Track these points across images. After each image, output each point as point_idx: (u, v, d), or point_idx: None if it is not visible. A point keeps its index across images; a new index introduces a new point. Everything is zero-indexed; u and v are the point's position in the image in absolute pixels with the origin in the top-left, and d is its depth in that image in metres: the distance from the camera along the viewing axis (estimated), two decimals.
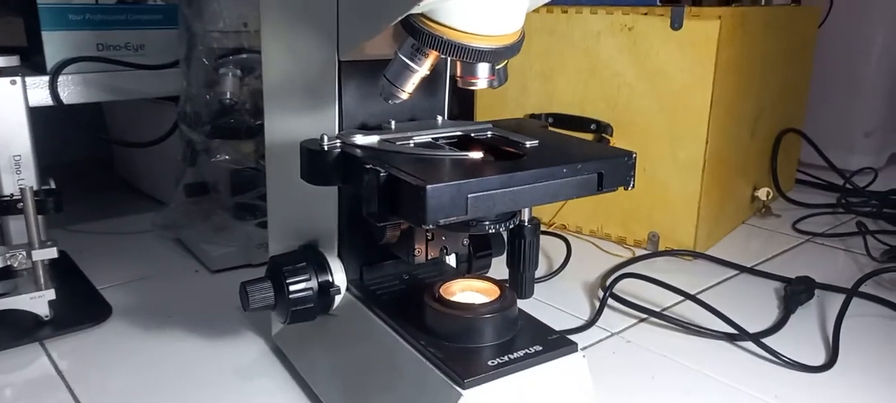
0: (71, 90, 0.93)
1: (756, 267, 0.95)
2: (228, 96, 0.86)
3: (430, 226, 0.43)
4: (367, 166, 0.47)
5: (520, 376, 0.52)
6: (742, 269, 0.94)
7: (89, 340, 0.74)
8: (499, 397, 0.51)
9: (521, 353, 0.53)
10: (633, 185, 0.52)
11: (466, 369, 0.50)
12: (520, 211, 0.56)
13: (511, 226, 0.53)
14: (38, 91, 0.90)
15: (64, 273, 0.88)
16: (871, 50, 1.42)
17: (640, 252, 1.00)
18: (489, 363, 0.51)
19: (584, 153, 0.51)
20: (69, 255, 0.94)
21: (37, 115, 0.85)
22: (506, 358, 0.52)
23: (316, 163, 0.51)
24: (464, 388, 0.49)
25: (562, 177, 0.48)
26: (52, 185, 0.82)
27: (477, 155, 0.50)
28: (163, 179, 1.13)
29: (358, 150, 0.51)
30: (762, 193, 1.15)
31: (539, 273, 0.91)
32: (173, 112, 0.96)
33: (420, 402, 0.52)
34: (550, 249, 1.00)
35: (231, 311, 0.80)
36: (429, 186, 0.43)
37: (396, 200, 0.46)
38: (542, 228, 1.08)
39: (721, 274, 0.93)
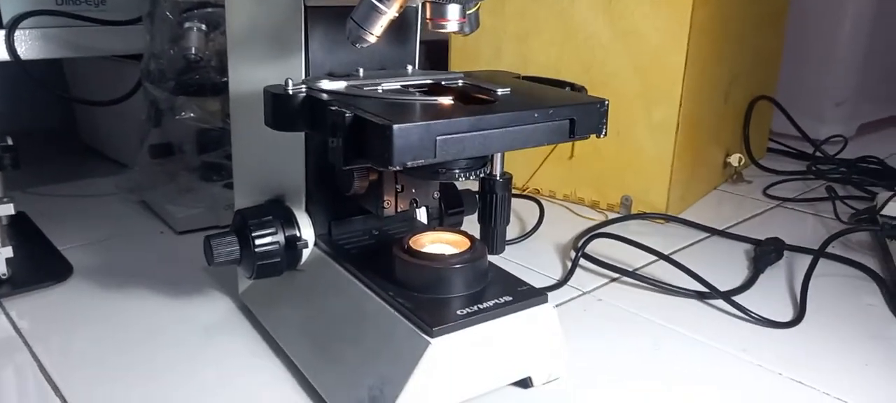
0: (29, 45, 0.89)
1: (727, 230, 0.95)
2: (194, 51, 0.84)
3: (397, 168, 0.42)
4: (332, 108, 0.46)
5: (489, 325, 0.51)
6: (713, 232, 0.95)
7: (49, 299, 0.72)
8: (468, 346, 0.50)
9: (490, 303, 0.52)
10: (606, 133, 0.51)
11: (435, 318, 0.49)
12: (490, 160, 0.56)
13: (481, 175, 0.52)
14: None
15: (23, 233, 0.85)
16: (843, 20, 1.43)
17: (613, 215, 1.00)
18: (458, 312, 0.50)
19: (557, 99, 0.50)
20: (29, 217, 0.91)
21: None
22: (475, 308, 0.51)
23: (280, 107, 0.50)
24: (432, 337, 0.48)
25: (533, 121, 0.47)
26: (9, 142, 0.79)
27: (447, 100, 0.49)
28: (127, 142, 1.09)
29: (324, 95, 0.49)
30: (734, 159, 1.15)
31: (512, 234, 0.91)
32: (137, 71, 0.93)
33: (389, 353, 0.51)
34: (523, 212, 1.00)
35: (197, 271, 0.78)
36: (395, 126, 0.41)
37: (362, 142, 0.44)
38: (516, 192, 1.07)
39: (693, 237, 0.94)
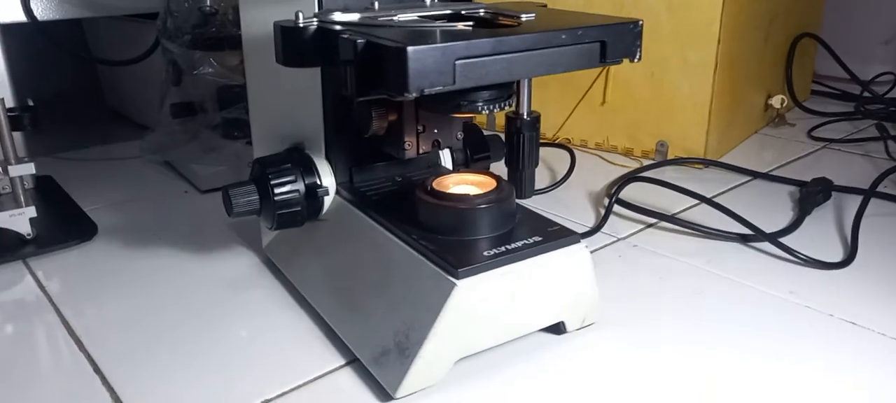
0: (45, 7, 0.88)
1: (770, 173, 0.91)
2: (209, 4, 0.81)
3: (413, 95, 0.39)
4: (344, 36, 0.43)
5: (517, 266, 0.48)
6: (755, 175, 0.90)
7: (75, 259, 0.71)
8: (496, 288, 0.48)
9: (519, 244, 0.49)
10: (640, 57, 0.47)
11: (460, 259, 0.47)
12: (516, 97, 0.52)
13: (505, 108, 0.49)
14: (11, 7, 0.85)
15: (49, 195, 0.85)
16: None
17: (648, 162, 0.96)
18: (485, 253, 0.48)
19: (586, 21, 0.47)
20: (55, 180, 0.91)
21: (23, 46, 0.81)
22: (502, 249, 0.48)
23: (291, 41, 0.47)
24: (458, 278, 0.46)
25: (560, 43, 0.44)
26: (30, 103, 0.78)
27: (466, 26, 0.46)
28: (150, 104, 1.08)
29: (336, 26, 0.47)
30: (776, 101, 1.09)
31: (542, 183, 0.88)
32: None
33: (413, 298, 0.48)
34: (553, 161, 0.96)
35: (221, 228, 0.77)
36: (410, 48, 0.38)
37: (377, 70, 0.41)
38: (546, 141, 1.04)
39: (733, 181, 0.89)
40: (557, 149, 1.00)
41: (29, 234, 0.71)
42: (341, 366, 0.52)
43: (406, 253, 0.50)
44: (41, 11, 0.87)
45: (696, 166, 0.94)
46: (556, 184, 0.88)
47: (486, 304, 0.48)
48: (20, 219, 0.71)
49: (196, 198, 0.87)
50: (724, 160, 0.95)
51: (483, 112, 0.48)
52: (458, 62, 0.40)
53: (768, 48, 1.06)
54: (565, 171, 0.91)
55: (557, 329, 0.54)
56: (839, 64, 1.23)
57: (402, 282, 0.50)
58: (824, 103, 1.24)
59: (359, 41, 0.41)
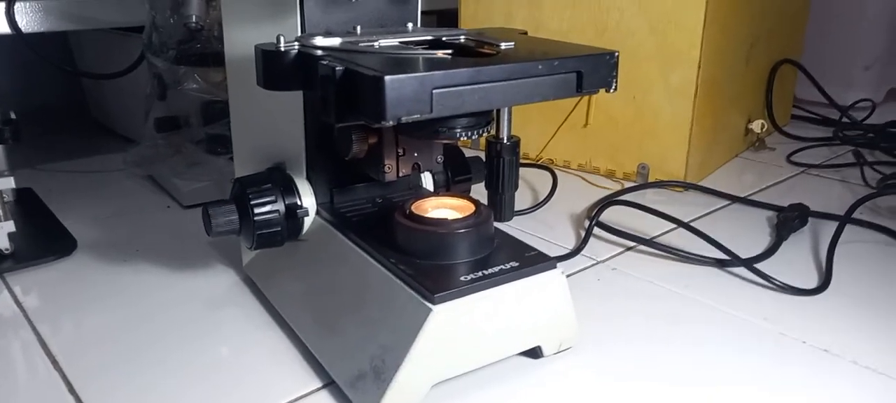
0: (30, 18, 0.88)
1: (749, 197, 0.92)
2: (194, 19, 0.82)
3: (391, 123, 0.39)
4: (323, 62, 0.43)
5: (494, 292, 0.49)
6: (734, 199, 0.91)
7: (53, 274, 0.71)
8: (472, 313, 0.48)
9: (496, 269, 0.50)
10: (616, 87, 0.48)
11: (437, 284, 0.47)
12: (497, 122, 0.53)
13: (486, 135, 0.50)
14: None
15: (28, 209, 0.85)
16: None
17: (629, 185, 0.97)
18: (462, 278, 0.48)
19: (563, 51, 0.47)
20: (35, 193, 0.90)
21: (7, 59, 0.81)
22: (480, 274, 0.49)
23: (272, 65, 0.47)
24: (434, 303, 0.46)
25: (537, 74, 0.44)
26: (12, 116, 0.78)
27: (446, 53, 0.46)
28: (134, 118, 1.08)
29: (317, 51, 0.47)
30: (756, 125, 1.11)
31: (523, 204, 0.88)
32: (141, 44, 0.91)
33: (390, 322, 0.49)
34: (535, 182, 0.97)
35: (202, 245, 0.76)
36: (387, 77, 0.39)
37: (355, 97, 0.42)
38: (528, 162, 1.05)
39: (712, 205, 0.90)
40: (540, 170, 1.01)
41: (7, 249, 0.71)
42: (318, 388, 0.52)
43: (383, 277, 0.51)
44: (26, 23, 0.87)
45: (677, 189, 0.95)
46: (537, 205, 0.89)
47: (463, 329, 0.48)
48: None
49: (178, 213, 0.87)
50: (704, 183, 0.97)
51: (461, 138, 0.48)
52: (435, 91, 0.41)
53: (749, 72, 1.08)
54: (547, 192, 0.91)
55: (534, 353, 0.55)
56: (819, 89, 1.25)
57: (379, 306, 0.50)
58: (804, 127, 1.26)
59: (338, 68, 0.42)
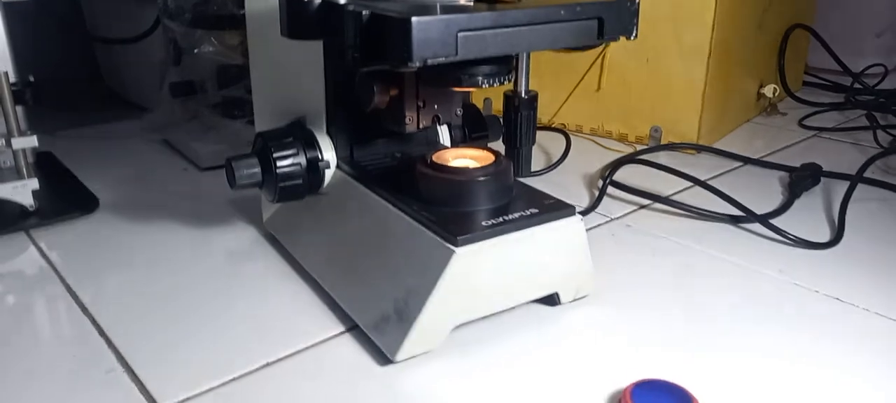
0: None
1: (761, 159, 0.92)
2: None
3: (416, 65, 0.40)
4: (349, 8, 0.44)
5: (514, 236, 0.50)
6: (747, 161, 0.92)
7: (77, 231, 0.72)
8: (493, 256, 0.49)
9: (516, 215, 0.51)
10: (636, 34, 0.49)
11: (459, 228, 0.48)
12: (514, 76, 0.54)
13: (504, 83, 0.51)
14: None
15: (50, 171, 0.86)
16: None
17: (641, 148, 0.97)
18: (483, 223, 0.49)
19: None
20: (55, 156, 0.91)
21: (20, 27, 0.82)
22: (500, 219, 0.50)
23: (296, 14, 0.48)
24: (457, 246, 0.47)
25: (559, 19, 0.45)
26: (31, 79, 0.79)
27: (468, 2, 0.47)
28: (150, 86, 1.09)
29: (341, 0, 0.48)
30: (768, 90, 1.11)
31: (537, 166, 0.89)
32: (156, 10, 0.92)
33: (413, 265, 0.50)
34: (549, 145, 0.98)
35: (222, 204, 0.78)
36: (415, 19, 0.40)
37: (380, 41, 0.43)
38: (541, 125, 1.05)
39: (725, 166, 0.91)
40: (553, 133, 1.01)
41: (31, 206, 0.72)
42: (342, 332, 0.53)
43: (406, 224, 0.52)
44: None
45: (689, 151, 0.95)
46: (551, 167, 0.90)
47: (484, 272, 0.49)
48: (23, 191, 0.71)
49: (196, 176, 0.88)
50: (716, 146, 0.97)
51: (483, 86, 0.49)
52: (460, 34, 0.41)
53: (762, 37, 1.08)
54: (560, 154, 0.92)
55: (551, 300, 0.56)
56: (831, 55, 1.25)
57: (402, 251, 0.51)
58: (816, 94, 1.26)
59: (364, 12, 0.43)
